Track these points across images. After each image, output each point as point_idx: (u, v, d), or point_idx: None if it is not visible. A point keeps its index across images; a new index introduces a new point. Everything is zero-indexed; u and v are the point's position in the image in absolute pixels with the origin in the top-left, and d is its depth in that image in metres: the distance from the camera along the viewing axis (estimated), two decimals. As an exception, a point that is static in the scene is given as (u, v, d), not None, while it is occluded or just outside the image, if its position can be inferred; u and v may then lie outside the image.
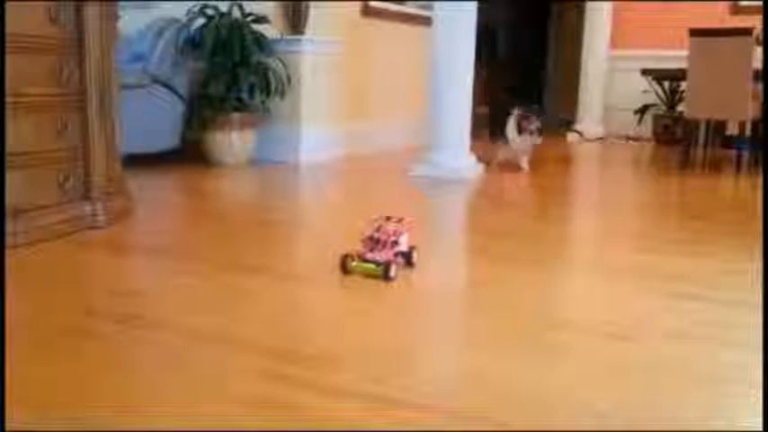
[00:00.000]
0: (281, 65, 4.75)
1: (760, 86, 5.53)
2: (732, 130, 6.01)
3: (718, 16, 6.71)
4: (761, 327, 1.78)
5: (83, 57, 2.68)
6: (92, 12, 2.67)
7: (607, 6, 7.54)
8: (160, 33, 4.56)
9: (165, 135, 4.60)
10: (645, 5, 7.43)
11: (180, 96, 4.62)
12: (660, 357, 1.57)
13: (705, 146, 6.28)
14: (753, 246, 2.74)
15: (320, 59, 5.08)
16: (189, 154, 4.85)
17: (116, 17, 2.96)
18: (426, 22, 5.17)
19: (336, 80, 5.34)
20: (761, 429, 1.16)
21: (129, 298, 1.93)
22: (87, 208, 2.74)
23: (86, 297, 1.94)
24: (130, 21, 4.46)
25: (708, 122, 6.09)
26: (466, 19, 4.32)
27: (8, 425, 1.17)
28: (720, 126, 6.41)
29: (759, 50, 5.26)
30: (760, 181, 4.71)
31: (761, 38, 5.49)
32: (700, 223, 3.17)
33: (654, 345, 1.65)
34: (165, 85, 4.52)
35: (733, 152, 5.36)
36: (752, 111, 5.17)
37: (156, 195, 3.70)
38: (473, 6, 4.34)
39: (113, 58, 2.88)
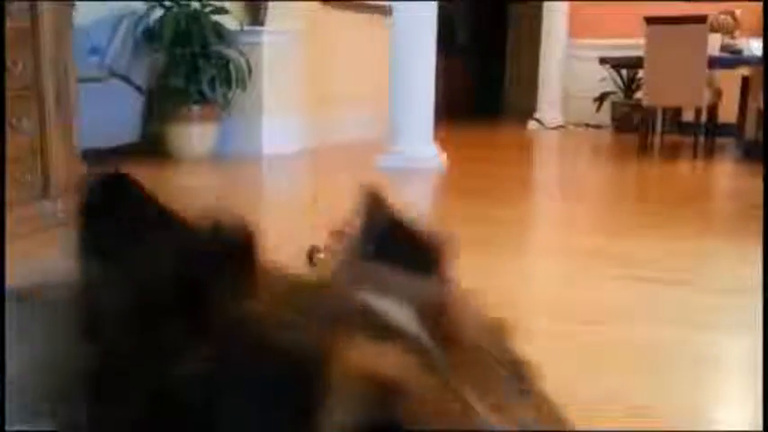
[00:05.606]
0: (241, 56, 4.69)
1: (714, 73, 5.65)
2: (688, 116, 6.13)
3: (676, 5, 6.84)
4: (718, 308, 1.83)
5: (37, 49, 2.61)
6: (46, 4, 2.60)
7: (565, -5, 7.63)
8: (117, 25, 4.46)
9: (125, 129, 4.51)
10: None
11: (139, 89, 4.53)
12: (609, 338, 1.60)
13: (662, 132, 6.40)
14: (708, 230, 2.81)
15: (281, 50, 5.03)
16: (149, 148, 4.77)
17: (71, 8, 2.89)
18: (389, 11, 5.15)
19: (298, 71, 5.29)
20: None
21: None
22: (47, 206, 2.67)
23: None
24: (87, 12, 4.35)
25: (665, 109, 6.20)
26: (427, 9, 4.32)
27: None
28: (677, 113, 6.55)
29: (713, 37, 5.38)
30: (715, 167, 4.83)
31: (715, 24, 5.61)
32: (657, 207, 3.24)
33: (605, 326, 1.68)
34: (124, 79, 4.43)
35: (690, 138, 5.48)
36: (707, 97, 5.29)
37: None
38: (434, -4, 4.35)
39: (70, 51, 2.81)
